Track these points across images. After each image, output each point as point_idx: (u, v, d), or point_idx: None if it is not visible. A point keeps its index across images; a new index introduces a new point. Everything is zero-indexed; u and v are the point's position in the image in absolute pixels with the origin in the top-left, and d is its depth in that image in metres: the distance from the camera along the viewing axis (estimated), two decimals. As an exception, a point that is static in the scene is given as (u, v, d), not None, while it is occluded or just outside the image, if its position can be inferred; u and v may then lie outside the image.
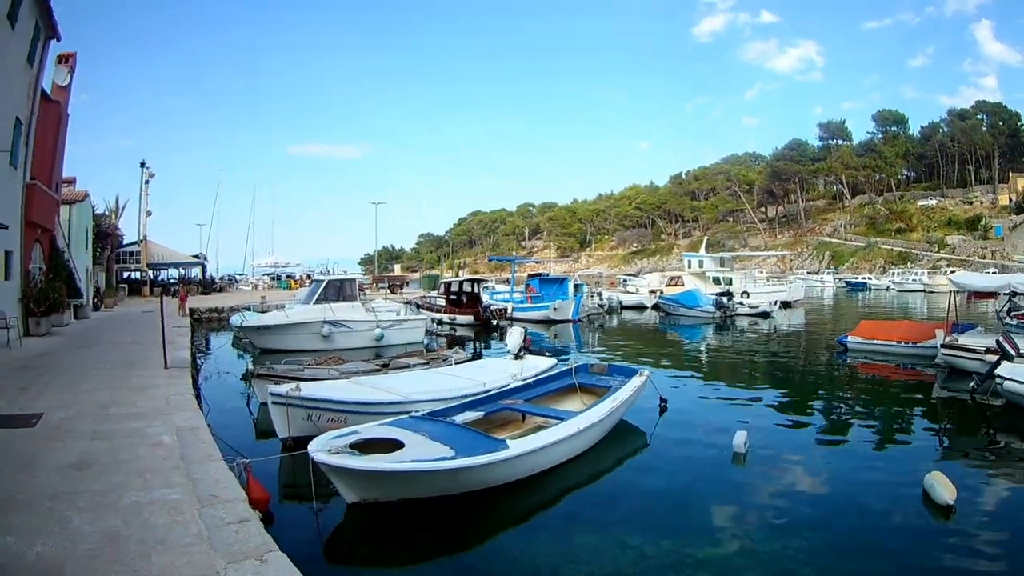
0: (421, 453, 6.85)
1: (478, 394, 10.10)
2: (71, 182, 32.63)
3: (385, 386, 10.20)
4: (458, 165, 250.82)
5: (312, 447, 6.76)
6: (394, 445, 7.07)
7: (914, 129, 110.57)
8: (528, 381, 11.07)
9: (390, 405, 9.26)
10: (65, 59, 24.98)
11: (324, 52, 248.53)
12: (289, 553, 4.63)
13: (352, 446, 6.88)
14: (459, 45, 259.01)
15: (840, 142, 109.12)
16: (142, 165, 45.29)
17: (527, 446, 7.56)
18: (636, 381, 10.84)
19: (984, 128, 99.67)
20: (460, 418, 8.64)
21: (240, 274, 72.89)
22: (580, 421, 8.64)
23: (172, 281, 53.00)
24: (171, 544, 4.68)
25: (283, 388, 9.15)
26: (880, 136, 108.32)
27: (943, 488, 6.88)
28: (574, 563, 5.84)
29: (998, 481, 8.28)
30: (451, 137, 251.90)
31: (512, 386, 10.72)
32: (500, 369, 12.05)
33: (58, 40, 21.83)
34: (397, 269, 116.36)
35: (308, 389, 9.32)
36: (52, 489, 5.74)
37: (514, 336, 13.61)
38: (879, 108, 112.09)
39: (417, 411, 8.70)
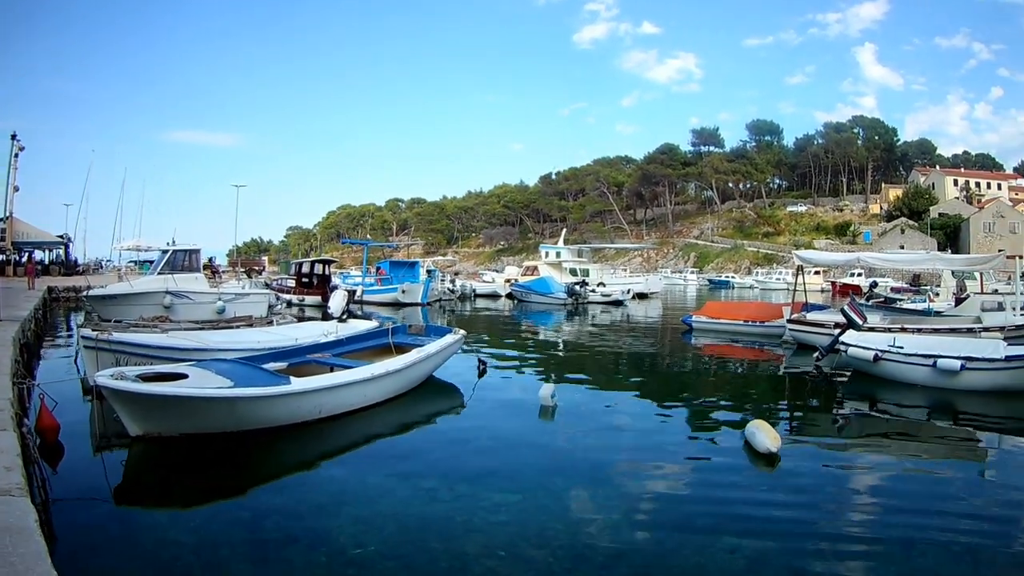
0: (201, 384, 7.28)
1: (287, 347, 10.33)
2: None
3: (197, 338, 10.80)
4: (330, 160, 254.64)
5: (99, 373, 7.01)
6: (181, 379, 7.46)
7: (788, 140, 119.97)
8: (341, 338, 11.22)
9: (195, 352, 9.65)
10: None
11: (199, 38, 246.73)
12: (73, 487, 5.74)
13: (141, 378, 7.11)
14: (335, 41, 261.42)
15: (712, 148, 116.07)
16: (13, 137, 43.49)
17: (310, 384, 7.87)
18: (448, 339, 11.31)
19: (859, 142, 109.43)
20: (262, 366, 8.69)
21: (107, 260, 68.74)
22: (375, 368, 8.96)
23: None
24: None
25: (93, 332, 9.64)
26: (753, 144, 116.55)
27: (765, 435, 7.00)
28: (362, 502, 5.91)
29: (825, 431, 9.15)
30: (324, 132, 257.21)
31: (323, 342, 10.84)
32: (317, 328, 12.27)
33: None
34: (265, 261, 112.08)
35: (118, 334, 9.89)
36: None
37: (336, 298, 13.54)
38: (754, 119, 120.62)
39: (222, 359, 8.91)
